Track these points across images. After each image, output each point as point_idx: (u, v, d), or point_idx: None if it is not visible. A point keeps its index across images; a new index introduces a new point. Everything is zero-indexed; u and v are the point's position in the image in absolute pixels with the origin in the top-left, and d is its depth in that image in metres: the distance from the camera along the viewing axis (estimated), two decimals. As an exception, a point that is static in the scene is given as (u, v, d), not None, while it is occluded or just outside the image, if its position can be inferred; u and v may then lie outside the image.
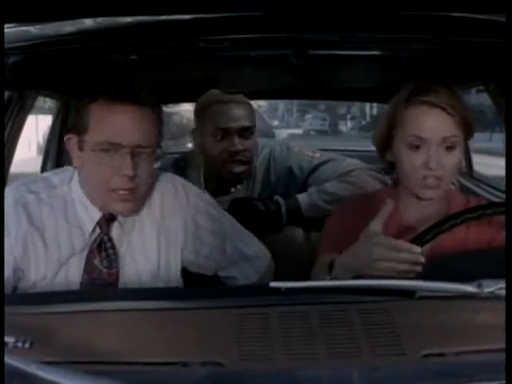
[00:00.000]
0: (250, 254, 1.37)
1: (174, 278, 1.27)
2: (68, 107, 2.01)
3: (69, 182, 1.25)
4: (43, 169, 2.31)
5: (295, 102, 22.83)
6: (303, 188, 1.78)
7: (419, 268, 1.04)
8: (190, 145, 2.78)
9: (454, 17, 1.02)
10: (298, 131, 24.76)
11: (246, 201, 1.74)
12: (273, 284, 0.88)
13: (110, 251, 1.21)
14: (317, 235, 1.57)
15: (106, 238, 1.22)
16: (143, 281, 1.23)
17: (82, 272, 1.21)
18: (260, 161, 1.82)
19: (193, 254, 1.30)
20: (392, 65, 1.72)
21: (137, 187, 1.15)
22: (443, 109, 1.18)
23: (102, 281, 1.21)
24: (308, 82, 2.02)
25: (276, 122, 24.24)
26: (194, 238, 1.29)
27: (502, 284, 0.83)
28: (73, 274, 1.21)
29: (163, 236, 1.27)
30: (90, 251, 1.22)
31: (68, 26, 1.06)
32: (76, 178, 1.24)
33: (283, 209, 1.71)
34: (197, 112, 1.83)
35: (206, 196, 1.39)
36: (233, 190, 1.80)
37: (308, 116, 27.54)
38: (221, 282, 1.38)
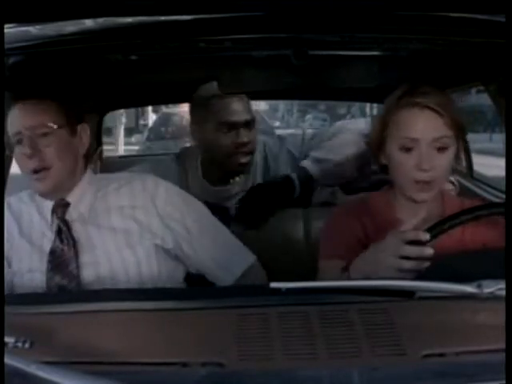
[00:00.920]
0: (221, 259, 1.38)
1: (133, 255, 1.30)
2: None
3: None
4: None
5: (295, 102, 22.82)
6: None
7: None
8: (189, 145, 2.80)
9: (454, 17, 1.02)
10: (298, 131, 24.73)
11: (265, 185, 1.81)
12: (273, 284, 0.88)
13: (64, 229, 1.31)
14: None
15: (61, 222, 1.31)
16: (98, 253, 1.30)
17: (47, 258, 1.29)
18: (257, 152, 1.91)
19: (162, 240, 1.33)
20: (392, 65, 1.72)
21: (46, 166, 1.28)
22: (433, 110, 1.18)
23: (64, 257, 1.28)
24: (308, 82, 2.02)
25: (277, 123, 24.24)
26: (163, 227, 1.33)
27: (502, 284, 0.83)
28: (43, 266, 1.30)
29: (125, 219, 1.32)
30: (53, 240, 1.31)
31: (68, 27, 1.06)
32: None
33: (296, 182, 1.79)
34: (195, 106, 1.88)
35: (177, 188, 1.42)
36: (231, 181, 1.87)
37: (308, 116, 27.51)
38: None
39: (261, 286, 1.20)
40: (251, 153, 1.83)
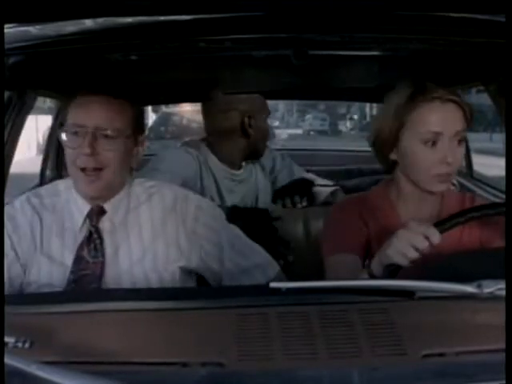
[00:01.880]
0: (247, 266, 1.36)
1: (159, 280, 1.26)
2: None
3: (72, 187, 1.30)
4: (43, 169, 2.31)
5: (295, 102, 22.82)
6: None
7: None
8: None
9: (454, 17, 1.03)
10: (298, 131, 24.77)
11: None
12: (273, 284, 0.88)
13: (97, 241, 1.25)
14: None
15: (93, 229, 1.26)
16: (124, 277, 1.25)
17: (71, 264, 1.24)
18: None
19: (188, 261, 1.30)
20: (392, 65, 1.72)
21: (101, 168, 1.22)
22: (455, 102, 1.20)
23: (88, 271, 1.23)
24: (308, 82, 2.02)
25: (277, 123, 24.25)
26: (190, 247, 1.30)
27: (502, 284, 0.83)
28: (65, 269, 1.24)
29: (154, 237, 1.28)
30: (80, 244, 1.26)
31: (68, 26, 1.06)
32: None
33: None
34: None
35: (207, 206, 1.39)
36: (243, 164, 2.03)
37: (308, 116, 27.55)
38: None
39: (261, 286, 1.20)
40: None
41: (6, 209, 1.27)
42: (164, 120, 12.30)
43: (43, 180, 2.27)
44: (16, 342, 0.75)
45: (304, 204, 1.99)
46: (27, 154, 8.48)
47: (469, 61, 1.56)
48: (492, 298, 0.84)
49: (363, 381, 0.69)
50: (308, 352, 0.74)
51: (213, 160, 1.95)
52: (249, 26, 1.10)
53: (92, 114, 1.21)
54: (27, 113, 1.65)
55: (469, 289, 0.85)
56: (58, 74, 1.54)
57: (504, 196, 1.30)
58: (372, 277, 1.10)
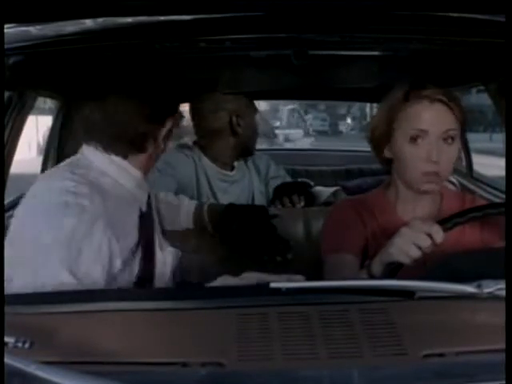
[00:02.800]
0: None
1: None
2: (68, 107, 2.01)
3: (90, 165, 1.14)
4: (43, 169, 2.31)
5: (295, 102, 22.80)
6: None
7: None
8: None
9: (453, 17, 1.03)
10: (299, 131, 24.76)
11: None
12: (273, 284, 0.88)
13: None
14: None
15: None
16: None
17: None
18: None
19: None
20: (392, 65, 1.72)
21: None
22: (443, 103, 1.21)
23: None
24: (308, 82, 2.02)
25: (277, 123, 24.26)
26: None
27: (502, 284, 0.83)
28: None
29: None
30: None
31: (68, 26, 1.06)
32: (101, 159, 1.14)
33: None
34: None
35: None
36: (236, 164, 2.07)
37: (308, 116, 27.54)
38: None
39: (261, 286, 1.20)
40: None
41: None
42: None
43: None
44: (16, 341, 0.75)
45: (302, 204, 1.99)
46: (28, 154, 8.48)
47: (469, 61, 1.56)
48: (492, 297, 0.84)
49: (363, 381, 0.69)
50: (308, 352, 0.74)
51: (205, 161, 1.99)
52: (249, 26, 1.10)
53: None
54: (27, 113, 1.65)
55: (469, 289, 0.85)
56: (58, 74, 1.54)
57: (504, 196, 1.30)
58: (371, 277, 1.10)
